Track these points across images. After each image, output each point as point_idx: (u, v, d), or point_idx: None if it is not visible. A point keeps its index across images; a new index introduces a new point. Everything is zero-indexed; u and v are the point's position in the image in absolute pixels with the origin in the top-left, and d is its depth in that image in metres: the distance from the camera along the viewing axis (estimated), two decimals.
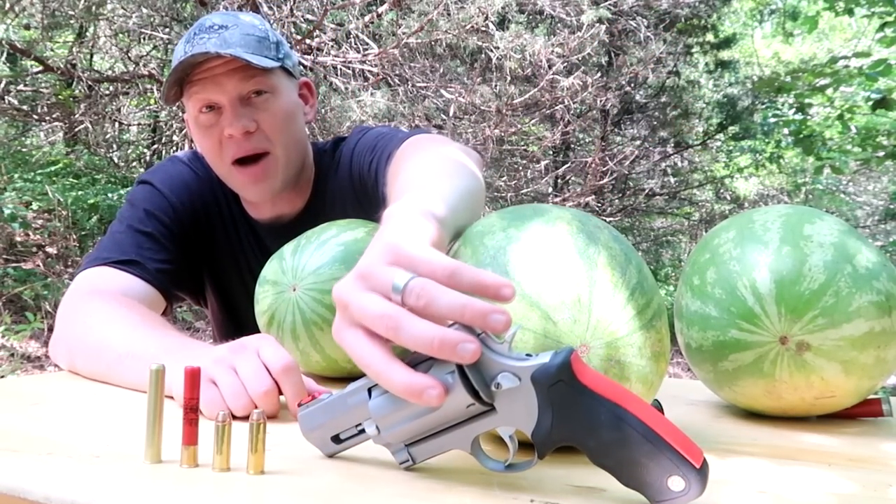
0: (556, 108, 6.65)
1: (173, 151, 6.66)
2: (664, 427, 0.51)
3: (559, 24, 6.46)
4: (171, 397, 0.74)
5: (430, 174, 0.84)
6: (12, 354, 4.37)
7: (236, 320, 1.30)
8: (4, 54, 5.54)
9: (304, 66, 5.16)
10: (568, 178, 9.02)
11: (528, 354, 0.52)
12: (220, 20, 1.13)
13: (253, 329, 0.92)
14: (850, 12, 6.03)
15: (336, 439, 0.60)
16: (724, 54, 9.49)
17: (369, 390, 0.57)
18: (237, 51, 1.09)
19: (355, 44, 5.54)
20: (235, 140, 1.12)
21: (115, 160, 7.00)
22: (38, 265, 5.08)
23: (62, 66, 5.90)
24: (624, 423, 0.50)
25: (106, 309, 0.98)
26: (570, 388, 0.51)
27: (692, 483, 0.50)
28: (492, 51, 5.56)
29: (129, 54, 6.10)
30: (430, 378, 0.50)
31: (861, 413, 0.83)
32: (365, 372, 0.53)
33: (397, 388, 0.51)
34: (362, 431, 0.58)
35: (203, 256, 1.25)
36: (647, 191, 9.24)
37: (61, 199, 5.18)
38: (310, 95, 1.26)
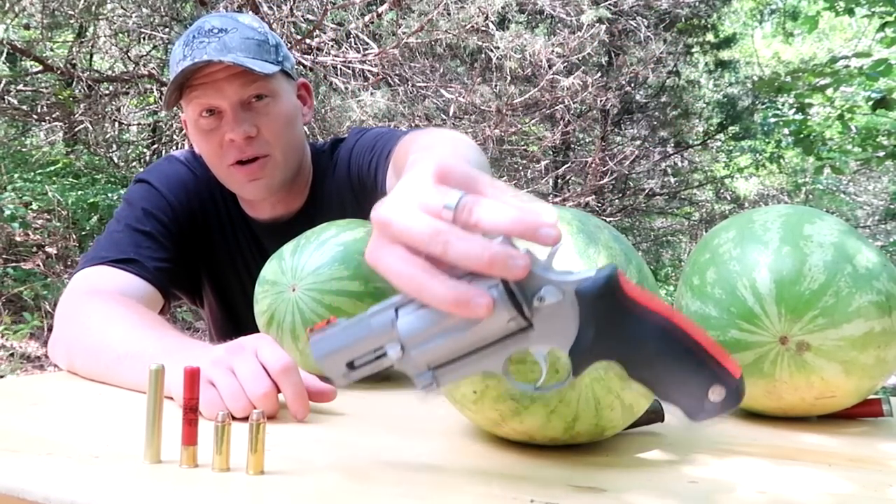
0: (556, 108, 6.65)
1: (173, 151, 6.65)
2: (707, 339, 0.51)
3: (559, 24, 6.47)
4: (171, 398, 0.74)
5: (443, 144, 0.84)
6: (12, 354, 4.37)
7: (234, 320, 1.30)
8: (4, 54, 5.53)
9: (304, 66, 5.17)
10: (568, 178, 9.02)
11: (568, 271, 0.52)
12: (220, 23, 1.13)
13: (251, 328, 0.92)
14: (850, 12, 6.03)
15: (350, 365, 0.56)
16: (725, 54, 9.49)
17: (396, 310, 0.54)
18: (238, 56, 1.09)
19: (355, 44, 5.54)
20: (237, 145, 1.12)
21: (115, 160, 7.00)
22: (38, 265, 5.09)
23: (62, 65, 5.91)
24: (670, 334, 0.51)
25: (104, 309, 0.97)
26: (617, 300, 0.51)
27: (731, 394, 0.51)
28: (492, 51, 5.56)
29: (129, 54, 6.11)
30: (477, 288, 0.49)
31: (861, 413, 0.83)
32: (404, 288, 0.51)
33: (444, 298, 0.49)
34: (382, 356, 0.55)
35: (201, 256, 1.25)
36: (647, 191, 9.24)
37: (61, 199, 5.18)
38: (307, 96, 1.26)
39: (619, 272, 0.52)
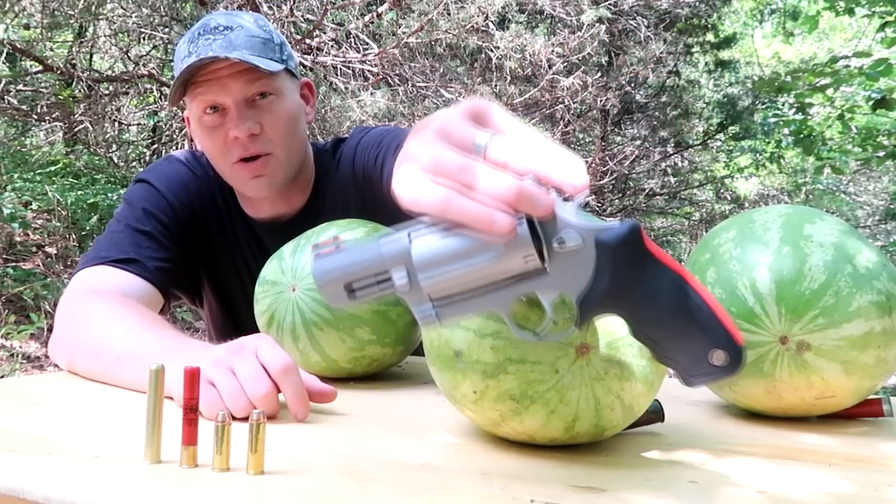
0: (556, 108, 6.65)
1: (173, 151, 6.65)
2: (716, 303, 0.52)
3: (559, 24, 6.47)
4: (171, 398, 0.74)
5: None
6: (12, 354, 4.37)
7: (234, 320, 1.30)
8: (4, 54, 5.53)
9: (304, 66, 5.16)
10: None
11: (590, 220, 0.53)
12: (225, 21, 1.13)
13: (251, 328, 0.92)
14: (850, 12, 6.03)
15: (349, 289, 0.55)
16: (725, 54, 9.48)
17: (409, 236, 0.53)
18: (243, 53, 1.09)
19: (355, 44, 5.54)
20: (241, 142, 1.13)
21: (115, 160, 6.99)
22: (38, 265, 5.09)
23: (62, 65, 5.90)
24: (684, 291, 0.51)
25: (105, 309, 0.97)
26: (637, 252, 0.52)
27: (732, 360, 0.51)
28: (492, 51, 5.57)
29: (129, 54, 6.11)
30: (501, 207, 0.50)
31: (861, 413, 0.83)
32: (431, 209, 0.51)
33: (470, 211, 0.50)
34: (386, 282, 0.54)
35: (201, 255, 1.25)
36: (647, 191, 9.24)
37: (61, 199, 5.18)
38: (310, 96, 1.26)
39: (641, 227, 0.53)
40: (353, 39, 5.53)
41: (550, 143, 0.53)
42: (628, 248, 0.52)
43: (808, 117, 7.07)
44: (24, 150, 6.67)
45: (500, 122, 0.55)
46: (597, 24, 5.97)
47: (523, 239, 0.51)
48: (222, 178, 1.22)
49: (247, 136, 1.12)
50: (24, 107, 6.19)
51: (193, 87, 1.12)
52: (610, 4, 6.47)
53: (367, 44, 5.56)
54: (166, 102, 5.85)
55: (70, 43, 6.63)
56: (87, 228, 5.35)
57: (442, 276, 0.53)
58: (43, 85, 6.41)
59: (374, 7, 5.68)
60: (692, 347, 0.52)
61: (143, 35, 6.04)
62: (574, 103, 6.78)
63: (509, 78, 5.86)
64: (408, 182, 0.53)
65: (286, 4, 5.15)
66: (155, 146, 7.05)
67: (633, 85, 7.97)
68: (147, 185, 1.20)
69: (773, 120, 8.34)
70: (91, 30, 6.50)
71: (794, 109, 7.25)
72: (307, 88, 1.26)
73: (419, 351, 0.87)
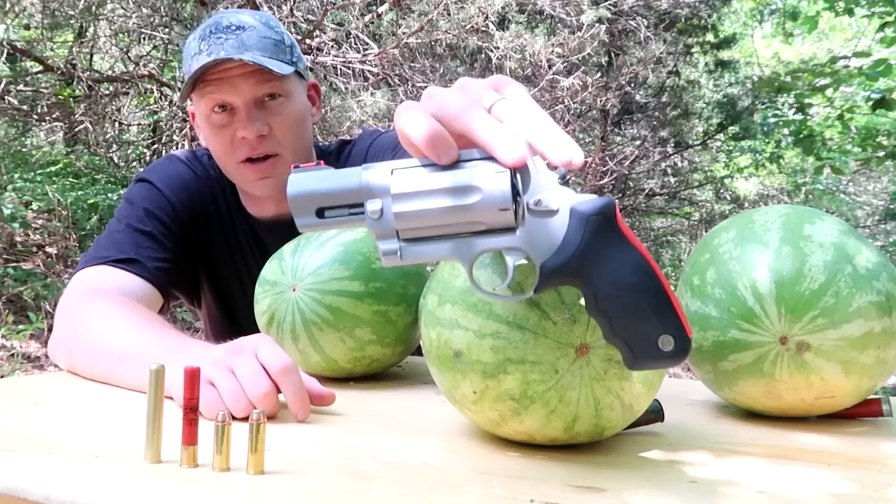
0: (556, 108, 6.65)
1: (173, 150, 6.64)
2: (673, 293, 0.53)
3: (559, 24, 6.46)
4: (171, 398, 0.74)
5: None
6: (12, 354, 4.37)
7: (232, 320, 1.30)
8: (4, 54, 5.53)
9: None
10: (568, 177, 9.01)
11: (570, 191, 0.55)
12: (237, 20, 1.14)
13: (250, 329, 0.92)
14: (850, 12, 6.03)
15: (320, 213, 0.56)
16: (724, 54, 9.47)
17: (392, 171, 0.55)
18: (255, 55, 1.10)
19: (355, 44, 5.54)
20: (248, 142, 1.13)
21: (115, 160, 6.99)
22: (38, 265, 5.08)
23: (62, 66, 5.90)
24: (646, 272, 0.53)
25: (105, 309, 0.98)
26: (608, 226, 0.53)
27: (678, 348, 0.53)
28: (492, 51, 5.56)
29: (129, 54, 6.10)
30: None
31: (861, 413, 0.83)
32: (423, 136, 0.54)
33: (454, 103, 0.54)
34: (358, 212, 0.55)
35: (201, 255, 1.25)
36: (647, 191, 9.23)
37: (61, 199, 5.18)
38: (317, 97, 1.28)
39: (617, 204, 0.54)
40: (353, 39, 5.53)
41: (552, 121, 0.55)
42: (601, 220, 0.53)
43: (808, 117, 7.07)
44: (24, 150, 6.67)
45: (514, 93, 0.57)
46: (597, 25, 5.97)
47: (503, 189, 0.52)
48: (224, 178, 1.22)
49: (255, 136, 1.13)
50: (24, 107, 6.19)
51: (203, 84, 1.13)
52: (610, 5, 6.46)
53: (367, 44, 5.55)
54: (166, 102, 5.86)
55: (70, 43, 6.63)
56: (88, 228, 5.35)
57: (414, 209, 0.54)
58: (43, 85, 6.40)
59: (374, 7, 5.68)
60: (644, 329, 0.53)
61: (143, 35, 6.03)
62: (574, 103, 6.77)
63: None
64: (406, 115, 0.55)
65: (286, 4, 5.15)
66: (155, 146, 7.04)
67: (633, 85, 7.96)
68: (148, 185, 1.20)
69: (772, 120, 8.34)
70: (91, 30, 6.49)
71: (793, 109, 7.25)
72: (314, 90, 1.26)
73: (419, 351, 0.87)
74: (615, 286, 0.53)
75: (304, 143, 1.20)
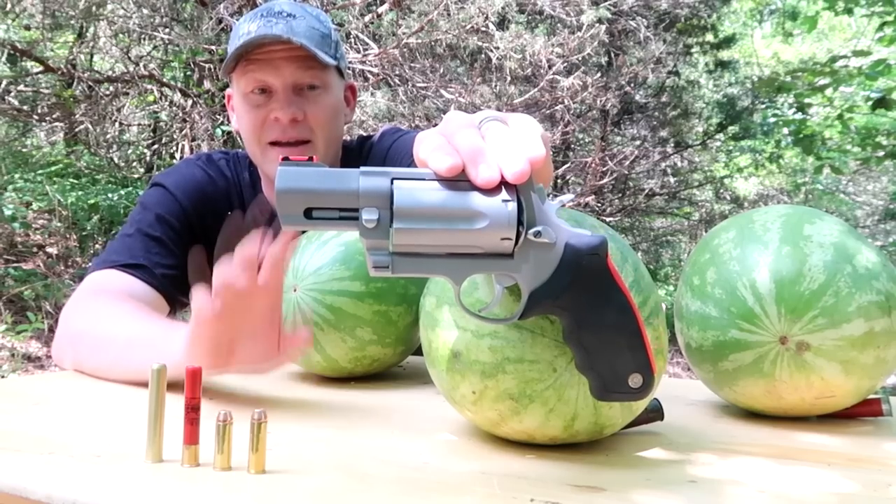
0: (556, 108, 6.65)
1: (174, 151, 6.66)
2: (646, 333, 0.57)
3: (559, 24, 6.46)
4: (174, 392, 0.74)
5: None
6: (13, 354, 4.37)
7: None
8: (5, 54, 5.53)
9: None
10: (568, 178, 9.02)
11: (567, 226, 0.56)
12: (289, 8, 1.16)
13: None
14: (849, 12, 6.03)
15: (308, 213, 0.52)
16: (724, 54, 9.47)
17: (392, 180, 0.52)
18: (304, 41, 1.11)
19: (355, 44, 5.54)
20: (281, 125, 1.15)
21: (116, 160, 6.99)
22: (39, 265, 5.08)
23: (62, 66, 5.90)
24: (628, 314, 0.56)
25: (112, 305, 0.99)
26: (599, 264, 0.55)
27: (646, 385, 0.56)
28: (492, 51, 5.56)
29: (130, 54, 6.10)
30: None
31: (861, 413, 0.83)
32: (428, 148, 0.53)
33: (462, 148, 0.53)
34: (351, 218, 0.52)
35: (211, 260, 1.25)
36: (647, 191, 9.23)
37: (61, 200, 5.18)
38: (352, 98, 1.30)
39: (609, 243, 0.56)
40: (353, 40, 5.53)
41: (529, 137, 0.54)
42: (593, 258, 0.55)
43: (808, 117, 7.07)
44: (24, 150, 6.67)
45: (515, 120, 0.58)
46: (597, 25, 5.97)
47: (509, 219, 0.52)
48: (240, 178, 1.24)
49: (289, 119, 1.14)
50: (24, 107, 6.19)
51: (246, 63, 1.15)
52: (610, 5, 6.46)
53: (368, 44, 5.55)
54: (167, 103, 5.85)
55: (71, 43, 6.63)
56: (88, 229, 5.35)
57: (417, 230, 0.52)
58: (44, 85, 6.41)
59: (374, 7, 5.68)
60: (618, 365, 0.56)
61: (143, 35, 6.03)
62: (574, 103, 6.77)
63: (509, 78, 5.86)
64: (426, 139, 0.55)
65: None
66: (155, 146, 7.04)
67: (632, 85, 7.96)
68: (163, 190, 1.22)
69: (772, 120, 8.34)
70: (92, 30, 6.50)
71: (793, 109, 7.25)
72: (350, 91, 1.29)
73: (420, 351, 0.88)
74: (598, 322, 0.56)
75: (336, 137, 1.23)
